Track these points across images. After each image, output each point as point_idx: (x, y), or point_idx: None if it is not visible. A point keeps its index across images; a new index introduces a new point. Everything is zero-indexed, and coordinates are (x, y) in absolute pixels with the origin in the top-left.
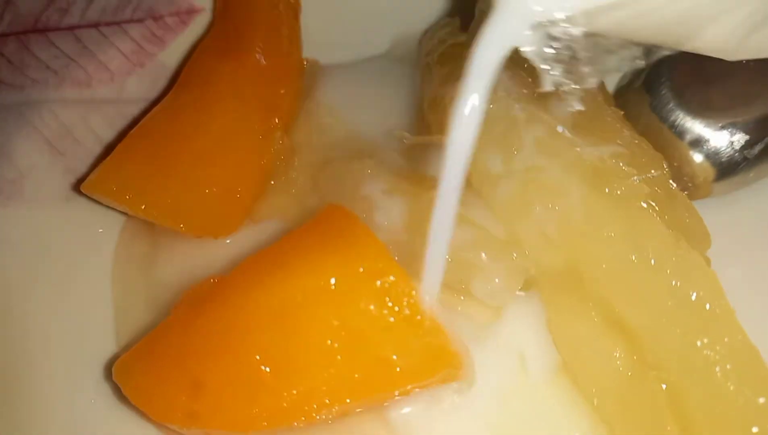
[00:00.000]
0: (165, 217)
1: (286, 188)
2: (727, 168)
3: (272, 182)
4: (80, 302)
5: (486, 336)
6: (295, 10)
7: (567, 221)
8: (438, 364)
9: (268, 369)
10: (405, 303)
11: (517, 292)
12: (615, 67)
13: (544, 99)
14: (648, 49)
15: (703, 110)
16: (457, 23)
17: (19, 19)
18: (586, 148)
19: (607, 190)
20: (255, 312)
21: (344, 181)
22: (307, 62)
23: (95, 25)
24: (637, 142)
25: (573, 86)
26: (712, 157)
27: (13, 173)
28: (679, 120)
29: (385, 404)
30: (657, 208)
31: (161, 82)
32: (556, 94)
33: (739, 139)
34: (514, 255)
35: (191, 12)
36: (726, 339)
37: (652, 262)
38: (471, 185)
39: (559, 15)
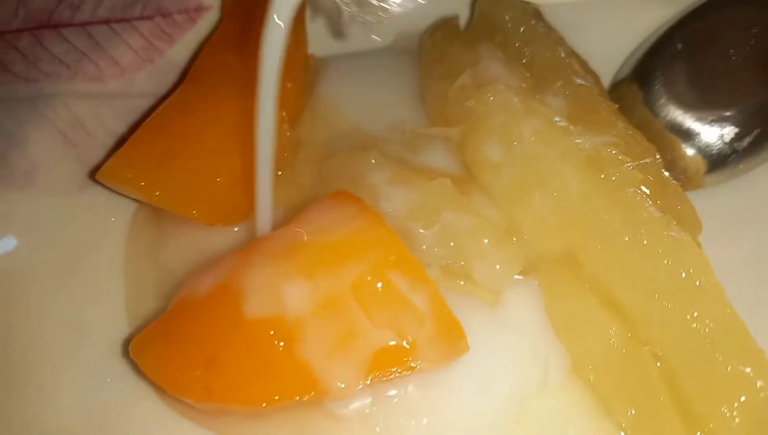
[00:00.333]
0: (178, 204)
1: (292, 179)
2: (717, 160)
3: (279, 173)
4: (93, 287)
5: (485, 319)
6: (301, 7)
7: (564, 206)
8: (445, 339)
9: (281, 344)
10: (411, 281)
11: (516, 277)
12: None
13: (540, 93)
14: None
15: (694, 104)
16: (457, 22)
17: (33, 15)
18: (582, 139)
19: (602, 176)
20: (267, 288)
21: (349, 171)
22: (312, 58)
23: (106, 22)
24: (630, 133)
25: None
26: (704, 150)
27: (26, 164)
28: (671, 114)
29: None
30: (649, 194)
31: (170, 78)
32: (552, 89)
33: (729, 132)
34: (514, 241)
35: (199, 9)
36: (715, 313)
37: (645, 242)
38: (472, 175)
39: None
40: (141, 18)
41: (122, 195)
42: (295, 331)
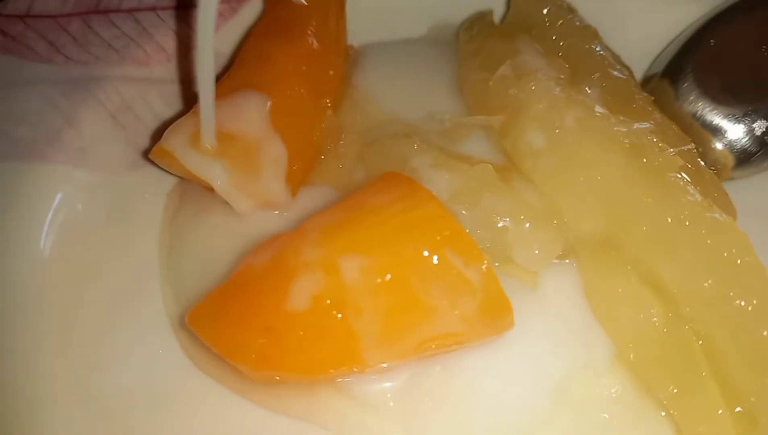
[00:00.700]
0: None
1: (335, 163)
2: (745, 155)
3: (322, 157)
4: (142, 262)
5: (523, 302)
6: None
7: (608, 190)
8: (493, 314)
9: (338, 315)
10: (464, 255)
11: (555, 260)
12: None
13: (578, 84)
14: None
15: (724, 101)
16: (492, 16)
17: (82, 0)
18: (623, 126)
19: (644, 160)
20: (325, 261)
21: (392, 155)
22: (350, 49)
23: (152, 9)
24: (667, 123)
25: None
26: (732, 145)
27: (80, 142)
28: (701, 110)
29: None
30: (689, 179)
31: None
32: (589, 81)
33: (759, 126)
34: (554, 223)
35: (241, 0)
36: (757, 290)
37: (687, 223)
38: (511, 163)
39: None
40: (185, 6)
41: (169, 176)
42: (351, 304)
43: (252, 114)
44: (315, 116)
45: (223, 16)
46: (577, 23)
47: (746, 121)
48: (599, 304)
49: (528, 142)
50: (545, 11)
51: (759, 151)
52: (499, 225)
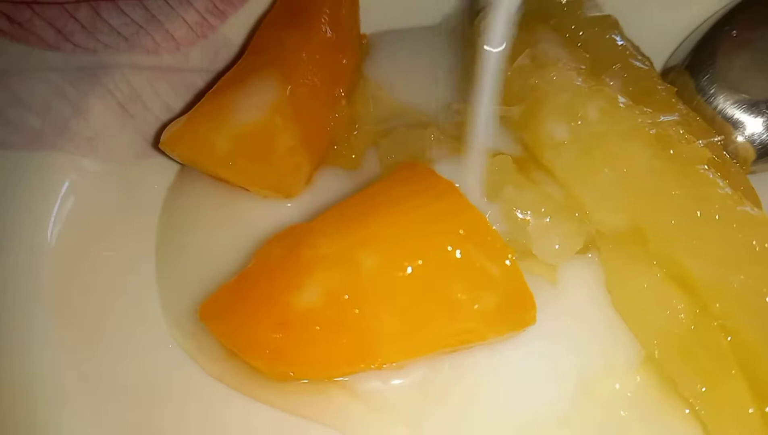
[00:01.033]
0: (240, 175)
1: (348, 153)
2: (767, 148)
3: (335, 147)
4: (150, 253)
5: (543, 297)
6: None
7: (633, 182)
8: (517, 307)
9: (357, 310)
10: (488, 249)
11: (575, 254)
12: None
13: (598, 75)
14: None
15: (745, 93)
16: None
17: None
18: (647, 117)
19: (671, 152)
20: (343, 254)
21: (408, 146)
22: (365, 38)
23: None
24: (691, 115)
25: None
26: (753, 137)
27: (88, 131)
28: (721, 103)
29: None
30: (717, 172)
31: (223, 54)
32: (610, 71)
33: None
34: (576, 216)
35: None
36: None
37: (717, 217)
38: (529, 155)
39: None
40: None
41: (178, 166)
42: (369, 299)
43: (265, 103)
44: (328, 105)
45: (233, 4)
46: (597, 13)
47: (767, 114)
48: (622, 300)
49: (549, 133)
50: (564, 0)
51: None
52: (519, 218)
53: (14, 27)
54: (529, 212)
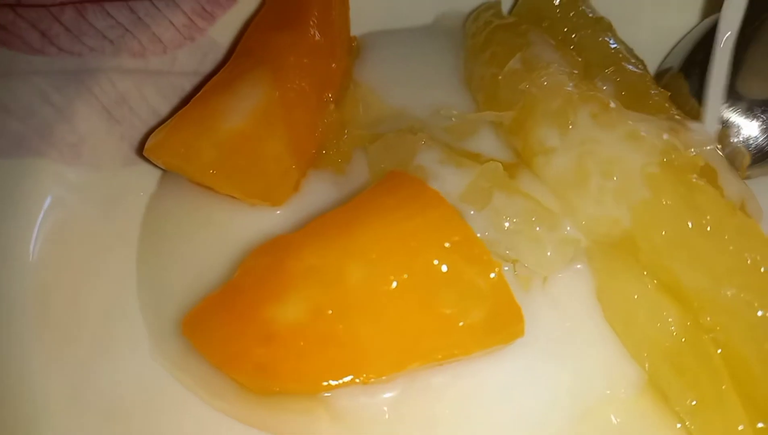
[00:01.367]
0: (226, 183)
1: (337, 158)
2: (762, 153)
3: (323, 152)
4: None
5: (532, 306)
6: None
7: (625, 190)
8: (504, 321)
9: (342, 325)
10: (475, 262)
11: (566, 263)
12: None
13: (591, 78)
14: None
15: (740, 97)
16: (500, 6)
17: None
18: (640, 123)
19: (665, 159)
20: (329, 267)
21: (397, 152)
22: (355, 41)
23: None
24: (685, 119)
25: None
26: (749, 142)
27: (73, 137)
28: None
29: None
30: (711, 180)
31: (210, 57)
32: (603, 75)
33: None
34: (567, 226)
35: None
36: None
37: (709, 228)
38: (520, 160)
39: None
40: None
41: (163, 172)
42: (355, 314)
43: (251, 109)
44: (317, 110)
45: (221, 6)
46: (590, 15)
47: (762, 118)
48: (613, 310)
49: (540, 140)
50: (557, 2)
51: None
52: (509, 226)
53: None
54: (519, 220)
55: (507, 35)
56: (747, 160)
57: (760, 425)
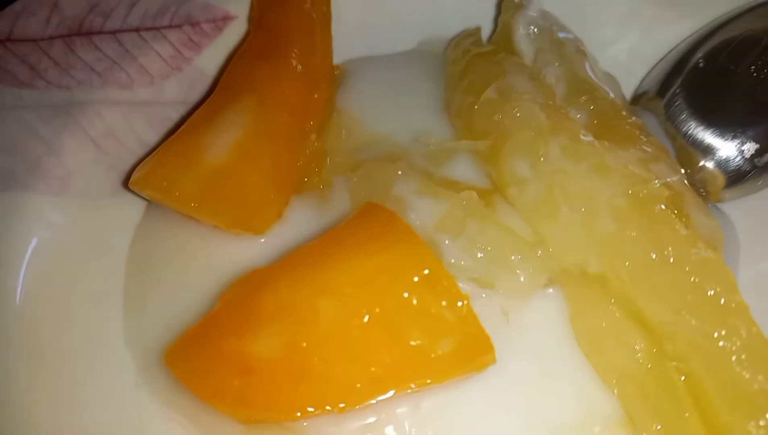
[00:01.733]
0: (209, 214)
1: (318, 186)
2: (736, 176)
3: (305, 179)
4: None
5: (506, 331)
6: (327, 19)
7: (592, 222)
8: (474, 351)
9: (317, 358)
10: (443, 294)
11: (540, 289)
12: None
13: (565, 107)
14: None
15: (715, 119)
16: (480, 34)
17: (65, 22)
18: (609, 155)
19: (630, 192)
20: (303, 302)
21: (376, 181)
22: (337, 69)
23: (136, 30)
24: (655, 149)
25: None
26: (723, 164)
27: (61, 170)
28: (692, 129)
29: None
30: (676, 211)
31: (198, 86)
32: (577, 103)
33: (749, 148)
34: (539, 253)
35: (226, 19)
36: (741, 332)
37: (672, 260)
38: (497, 188)
39: None
40: (170, 27)
41: (149, 202)
42: (329, 347)
43: (233, 141)
44: (299, 141)
45: (207, 36)
46: (566, 40)
47: (737, 141)
48: (584, 337)
49: (512, 170)
50: (534, 29)
51: (750, 171)
52: (483, 254)
53: None
54: (492, 248)
55: (484, 64)
56: (721, 182)
57: None
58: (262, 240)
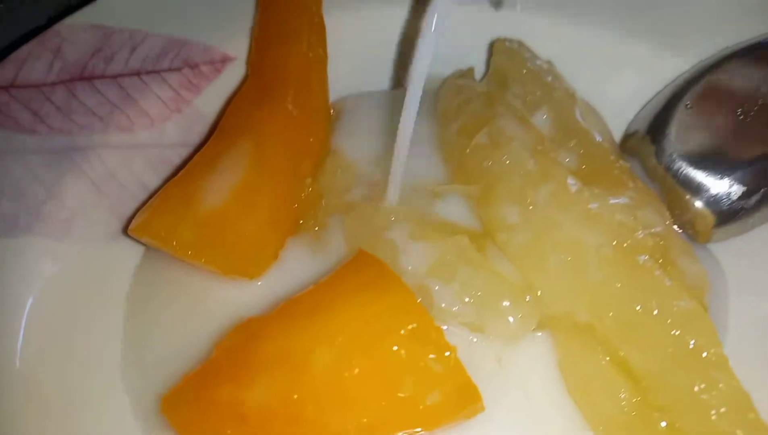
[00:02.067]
0: (206, 261)
1: (313, 228)
2: (726, 216)
3: (300, 222)
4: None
5: (496, 376)
6: (323, 61)
7: (579, 271)
8: (462, 401)
9: (310, 407)
10: (431, 347)
11: (530, 334)
12: None
13: (555, 151)
14: None
15: (704, 159)
16: (472, 74)
17: (68, 68)
18: (596, 202)
19: (614, 243)
20: (297, 350)
21: (369, 224)
22: (332, 108)
23: (137, 73)
24: (643, 195)
25: None
26: (713, 204)
27: (64, 214)
28: (681, 168)
29: None
30: (660, 260)
31: (197, 128)
32: (567, 147)
33: (738, 188)
34: (528, 298)
35: (225, 60)
36: (721, 385)
37: (655, 312)
38: (488, 232)
39: None
40: (169, 69)
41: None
42: (321, 398)
43: (231, 187)
44: (295, 184)
45: (206, 77)
46: (557, 85)
47: (726, 182)
48: (573, 382)
49: (502, 217)
50: (524, 72)
51: (739, 211)
52: (474, 299)
53: None
54: (482, 293)
55: (476, 106)
56: (711, 222)
57: None
58: (259, 283)
